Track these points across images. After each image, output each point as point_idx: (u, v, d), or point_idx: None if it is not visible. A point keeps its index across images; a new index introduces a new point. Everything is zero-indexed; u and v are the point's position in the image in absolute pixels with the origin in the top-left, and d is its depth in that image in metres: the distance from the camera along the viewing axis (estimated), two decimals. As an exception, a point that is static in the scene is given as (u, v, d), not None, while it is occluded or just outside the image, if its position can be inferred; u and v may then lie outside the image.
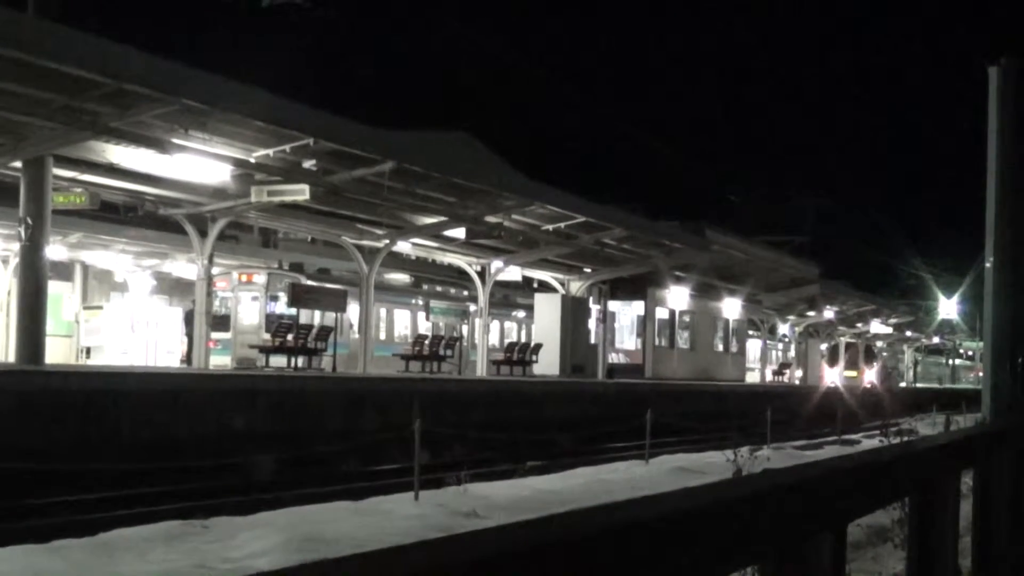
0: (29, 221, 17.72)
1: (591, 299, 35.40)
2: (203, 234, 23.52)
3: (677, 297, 38.69)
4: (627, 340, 38.65)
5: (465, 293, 39.68)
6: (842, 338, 60.74)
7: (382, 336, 33.32)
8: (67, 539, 8.56)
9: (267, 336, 25.97)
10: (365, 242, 26.44)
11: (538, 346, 31.30)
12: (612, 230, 29.62)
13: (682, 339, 40.39)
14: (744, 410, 29.30)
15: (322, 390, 19.29)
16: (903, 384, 70.25)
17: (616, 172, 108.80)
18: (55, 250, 23.77)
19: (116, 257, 30.80)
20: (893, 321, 66.22)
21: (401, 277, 37.95)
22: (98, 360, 28.03)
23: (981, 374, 10.99)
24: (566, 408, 25.45)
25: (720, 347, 44.10)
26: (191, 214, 23.26)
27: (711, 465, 15.60)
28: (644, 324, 37.90)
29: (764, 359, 53.48)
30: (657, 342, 38.24)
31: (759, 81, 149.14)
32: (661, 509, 2.69)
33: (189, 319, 26.65)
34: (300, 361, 23.72)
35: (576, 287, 34.17)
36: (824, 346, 57.67)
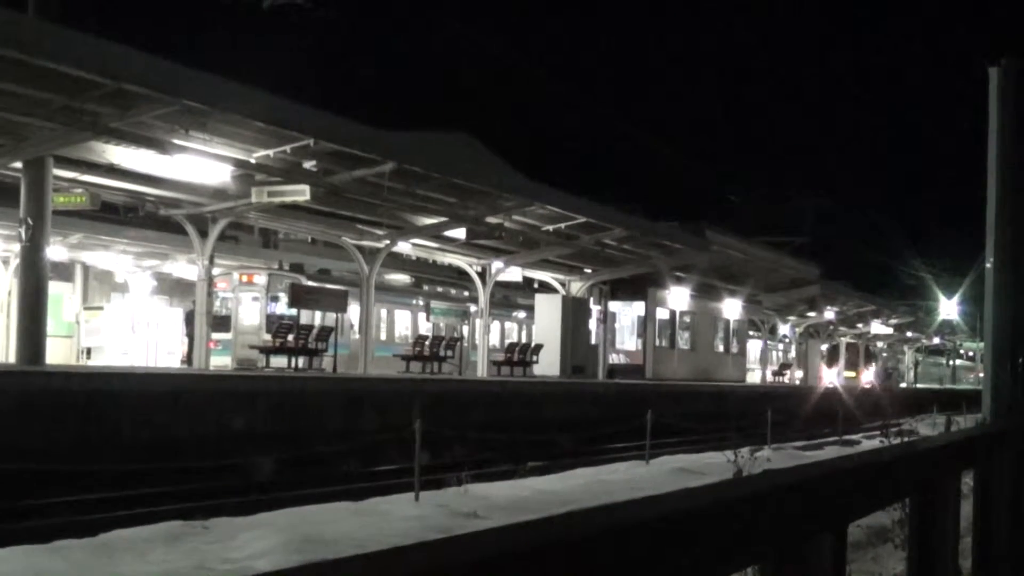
0: (29, 222, 17.72)
1: (591, 300, 35.41)
2: (203, 235, 23.53)
3: (677, 298, 38.70)
4: (627, 341, 38.64)
5: (465, 294, 39.70)
6: (842, 339, 60.73)
7: (383, 337, 33.33)
8: (68, 539, 8.56)
9: (267, 337, 25.97)
10: (365, 243, 26.44)
11: (538, 347, 31.30)
12: (612, 231, 29.63)
13: (682, 340, 40.39)
14: (744, 411, 29.32)
15: (322, 391, 19.29)
16: (903, 385, 70.26)
17: (616, 172, 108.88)
18: (55, 251, 23.78)
19: (116, 258, 30.81)
20: (893, 322, 66.22)
21: (401, 278, 37.96)
22: (99, 361, 28.04)
23: (981, 375, 10.98)
24: (566, 409, 25.45)
25: (720, 348, 44.09)
26: (191, 215, 23.27)
27: (711, 466, 15.59)
28: (644, 325, 37.89)
29: (764, 360, 53.49)
30: (657, 343, 38.23)
31: (759, 81, 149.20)
32: (661, 509, 2.69)
33: (189, 320, 26.66)
34: (300, 362, 23.72)
35: (576, 288, 34.18)
36: (824, 347, 57.66)
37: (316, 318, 28.18)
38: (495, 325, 37.91)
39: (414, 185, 22.88)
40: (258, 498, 12.97)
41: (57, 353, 25.66)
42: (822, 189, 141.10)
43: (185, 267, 30.34)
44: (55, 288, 24.04)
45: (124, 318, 29.60)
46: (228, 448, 15.97)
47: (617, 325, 38.23)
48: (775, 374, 51.93)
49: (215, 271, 25.12)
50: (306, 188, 20.38)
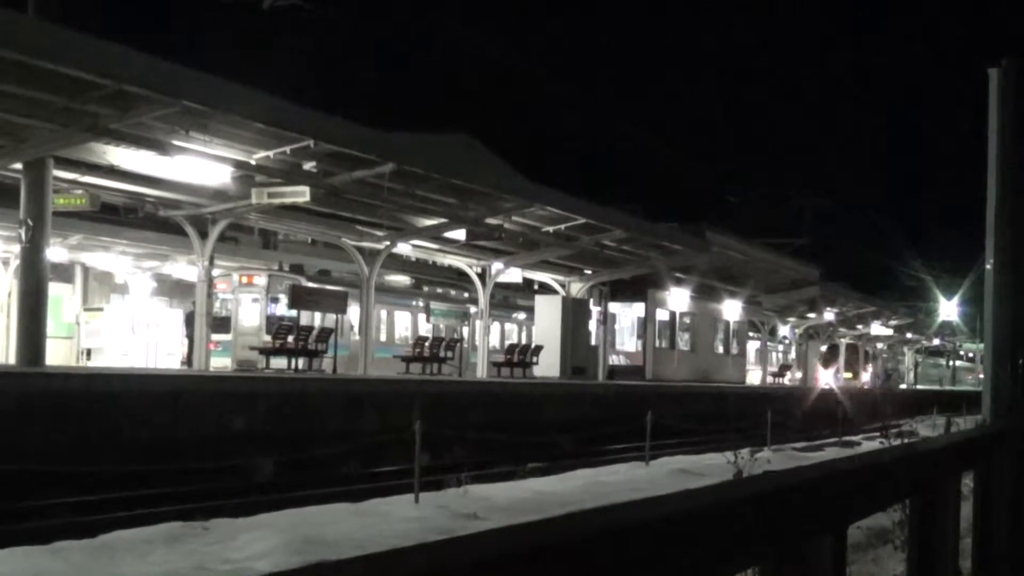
0: (29, 223, 17.72)
1: (591, 301, 35.41)
2: (203, 236, 23.53)
3: (677, 299, 38.71)
4: (627, 342, 38.64)
5: (465, 295, 39.69)
6: (842, 340, 60.70)
7: (382, 338, 33.32)
8: (68, 540, 8.55)
9: (267, 338, 25.96)
10: (365, 244, 26.44)
11: (538, 348, 31.30)
12: (612, 232, 29.63)
13: (682, 341, 40.39)
14: (744, 412, 29.33)
15: (322, 392, 19.28)
16: (903, 386, 70.23)
17: (616, 172, 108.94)
18: (55, 252, 23.78)
19: (116, 259, 30.81)
20: (893, 323, 66.22)
21: (401, 279, 37.95)
22: (99, 362, 28.04)
23: (981, 376, 10.98)
24: (566, 410, 25.44)
25: (720, 349, 44.10)
26: (191, 216, 23.27)
27: (712, 467, 15.59)
28: (644, 326, 37.89)
29: (764, 361, 53.49)
30: (657, 344, 38.23)
31: (759, 81, 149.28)
32: (662, 510, 2.69)
33: (189, 321, 26.66)
34: (300, 363, 23.71)
35: (576, 289, 34.18)
36: (822, 348, 57.64)
37: (316, 319, 28.17)
38: (495, 326, 37.92)
39: (414, 186, 22.88)
40: (258, 499, 12.97)
41: (57, 354, 25.66)
42: (822, 189, 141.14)
43: (185, 268, 30.34)
44: (55, 289, 24.04)
45: (124, 319, 29.59)
46: (228, 449, 15.97)
47: (617, 326, 38.23)
48: (775, 375, 51.95)
49: (215, 272, 25.12)
50: (306, 189, 20.38)
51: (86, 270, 31.62)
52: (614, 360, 37.26)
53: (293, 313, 26.98)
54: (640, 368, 37.16)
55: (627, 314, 38.40)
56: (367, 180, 21.47)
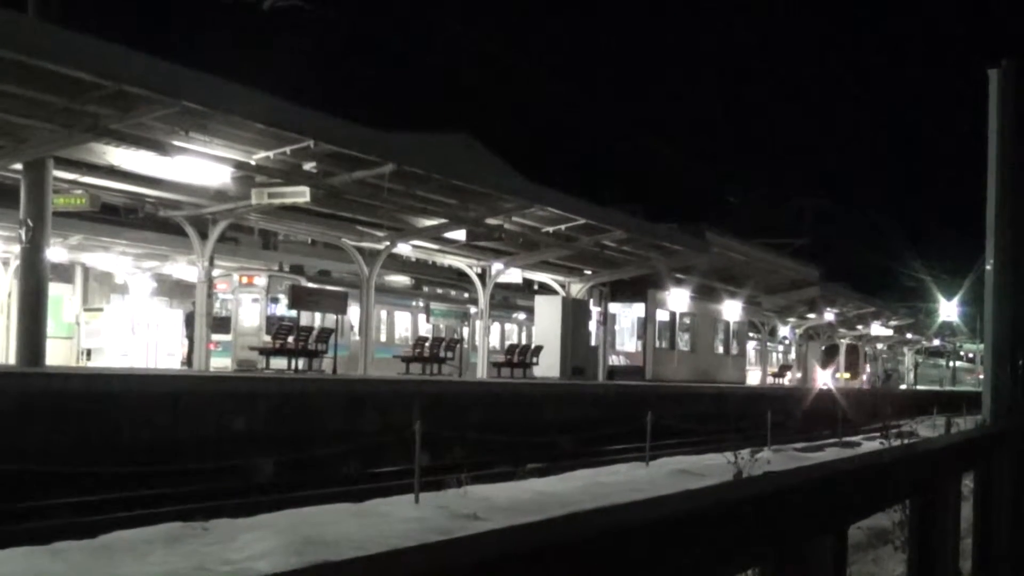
0: (30, 223, 17.72)
1: (591, 301, 35.42)
2: (203, 236, 23.52)
3: (677, 299, 38.71)
4: (627, 342, 38.64)
5: (465, 295, 39.69)
6: (842, 340, 60.70)
7: (383, 338, 33.32)
8: (68, 541, 8.56)
9: (267, 338, 25.96)
10: (365, 244, 26.44)
11: (538, 348, 31.29)
12: (612, 232, 29.63)
13: (682, 341, 40.39)
14: (744, 412, 29.33)
15: (322, 392, 19.29)
16: (903, 386, 70.23)
17: (616, 172, 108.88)
18: (55, 252, 23.78)
19: (116, 259, 30.81)
20: (893, 323, 66.22)
21: (401, 279, 37.95)
22: (99, 362, 28.04)
23: (981, 376, 10.98)
24: (566, 410, 25.44)
25: (720, 349, 44.10)
26: (191, 216, 23.27)
27: (712, 467, 15.60)
28: (644, 326, 37.89)
29: (764, 361, 53.49)
30: (657, 344, 38.23)
31: (759, 81, 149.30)
32: (662, 511, 2.69)
33: (189, 321, 26.66)
34: (300, 363, 23.71)
35: (576, 289, 34.18)
36: (821, 348, 57.64)
37: (316, 320, 28.18)
38: (495, 327, 37.92)
39: (414, 187, 22.88)
40: (258, 499, 12.97)
41: (57, 354, 25.66)
42: (822, 189, 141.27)
43: (185, 268, 30.34)
44: (55, 289, 24.03)
45: (124, 319, 29.59)
46: (228, 449, 15.97)
47: (617, 327, 38.24)
48: (775, 376, 51.96)
49: (215, 272, 25.12)
50: (306, 190, 20.38)
51: (86, 270, 31.63)
52: (614, 360, 37.26)
53: (293, 313, 26.98)
54: (640, 368, 37.16)
55: (627, 314, 38.40)
56: (367, 180, 21.47)
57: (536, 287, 35.95)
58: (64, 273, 30.11)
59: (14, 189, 18.67)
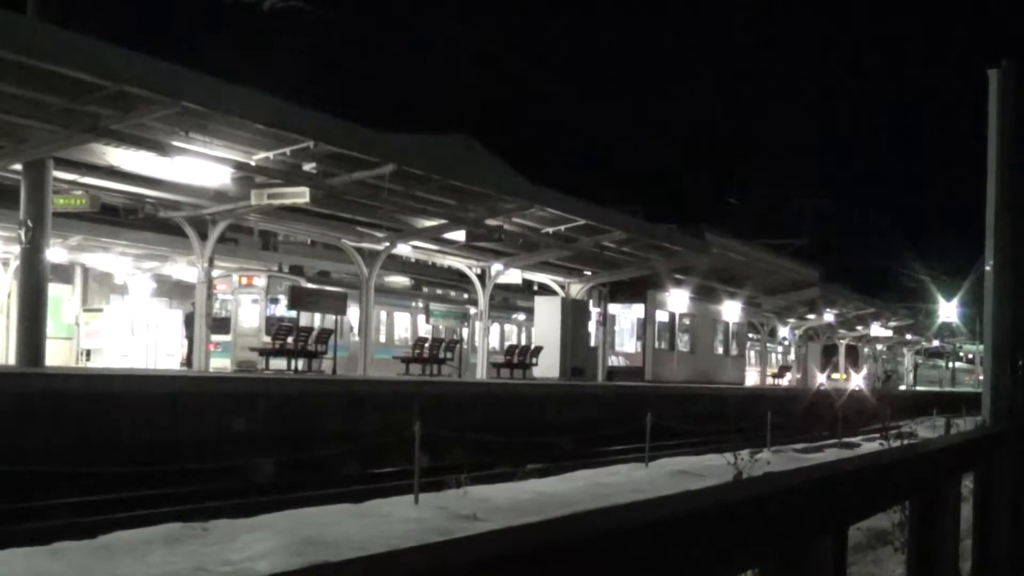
0: (29, 224, 17.73)
1: (591, 302, 35.41)
2: (203, 237, 23.52)
3: (677, 300, 38.71)
4: (627, 343, 38.65)
5: (465, 296, 39.69)
6: (842, 341, 60.69)
7: (382, 339, 33.33)
8: (67, 541, 8.56)
9: (267, 339, 25.96)
10: (365, 245, 26.44)
11: (538, 349, 31.30)
12: (612, 233, 29.63)
13: (682, 342, 40.39)
14: (744, 413, 29.32)
15: (322, 393, 19.29)
16: (903, 387, 70.22)
17: (616, 173, 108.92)
18: (55, 252, 23.78)
19: (116, 259, 30.80)
20: (893, 324, 66.23)
21: (401, 280, 37.96)
22: (98, 363, 28.03)
23: (981, 377, 10.97)
24: (566, 411, 25.44)
25: (720, 350, 44.10)
26: (191, 216, 23.27)
27: (711, 468, 15.59)
28: (644, 327, 37.89)
29: (764, 362, 53.48)
30: (657, 345, 38.22)
31: (759, 81, 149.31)
32: (662, 511, 2.69)
33: (189, 322, 26.65)
34: (300, 364, 23.72)
35: (576, 290, 34.18)
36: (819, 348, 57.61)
37: (316, 320, 28.18)
38: (495, 327, 37.91)
39: (414, 187, 22.89)
40: (258, 500, 12.97)
41: (57, 355, 25.65)
42: (822, 189, 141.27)
43: (185, 269, 30.33)
44: (55, 290, 24.04)
45: (124, 320, 29.58)
46: (228, 450, 15.96)
47: (616, 327, 38.24)
48: (774, 376, 51.93)
49: (215, 273, 25.11)
50: (306, 190, 20.38)
51: (86, 271, 31.61)
52: (613, 361, 37.26)
53: (293, 314, 26.99)
54: (640, 369, 37.16)
55: (627, 315, 38.40)
56: (367, 181, 21.48)
57: (536, 288, 35.95)
58: (64, 274, 30.09)
59: (14, 189, 18.67)
